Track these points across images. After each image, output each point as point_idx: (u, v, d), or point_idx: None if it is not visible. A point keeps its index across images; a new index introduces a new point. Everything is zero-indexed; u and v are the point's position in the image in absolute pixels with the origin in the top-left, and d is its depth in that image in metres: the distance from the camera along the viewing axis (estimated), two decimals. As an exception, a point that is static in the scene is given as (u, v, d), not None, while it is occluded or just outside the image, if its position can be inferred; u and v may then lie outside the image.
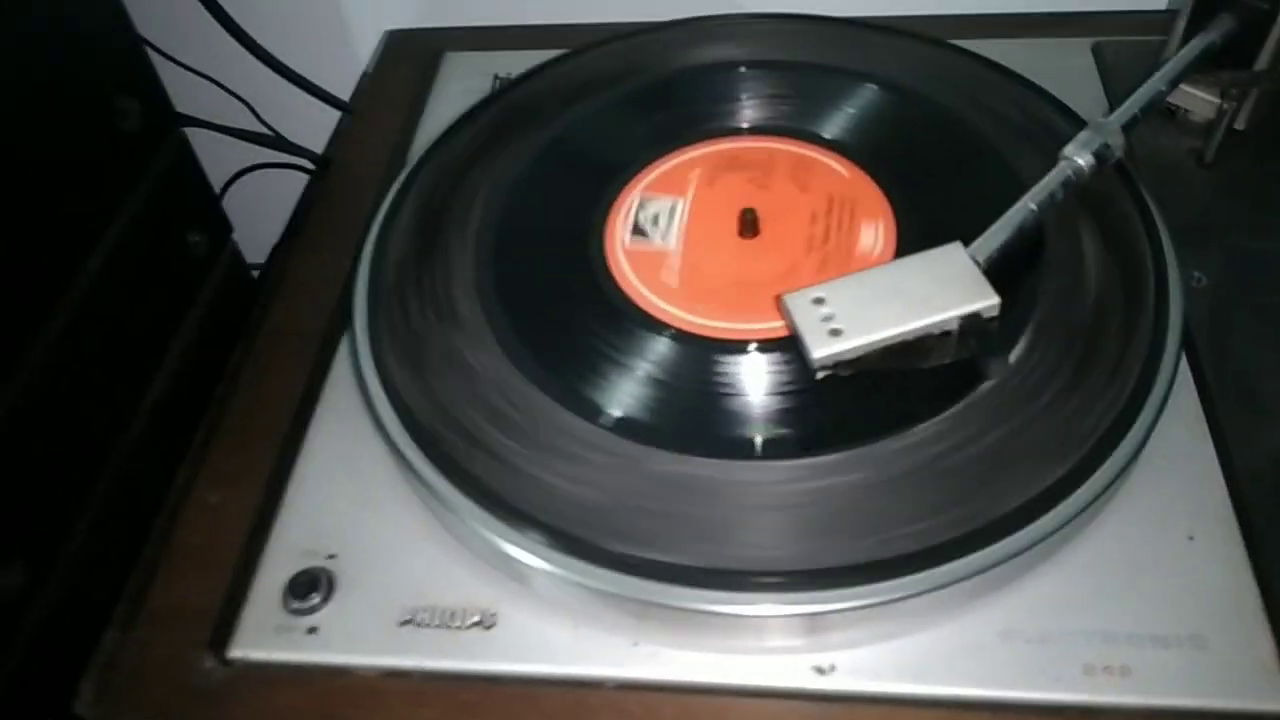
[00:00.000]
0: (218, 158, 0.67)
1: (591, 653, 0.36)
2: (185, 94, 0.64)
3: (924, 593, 0.33)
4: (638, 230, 0.44)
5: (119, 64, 0.59)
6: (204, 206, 0.68)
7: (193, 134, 0.63)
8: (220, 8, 0.69)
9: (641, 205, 0.45)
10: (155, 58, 0.63)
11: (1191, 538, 0.36)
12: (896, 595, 0.33)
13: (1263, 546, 0.36)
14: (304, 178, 0.82)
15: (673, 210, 0.45)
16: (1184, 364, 0.40)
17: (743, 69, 0.51)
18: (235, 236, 0.68)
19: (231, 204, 0.70)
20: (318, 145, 0.78)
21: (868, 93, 0.49)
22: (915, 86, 0.49)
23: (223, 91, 0.75)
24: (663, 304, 0.42)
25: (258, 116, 0.77)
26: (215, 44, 0.71)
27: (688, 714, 0.34)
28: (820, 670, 0.34)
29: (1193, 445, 0.39)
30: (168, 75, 0.62)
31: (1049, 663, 0.34)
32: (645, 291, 0.42)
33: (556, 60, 0.53)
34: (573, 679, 0.35)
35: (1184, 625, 0.34)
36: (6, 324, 0.48)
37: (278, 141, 0.76)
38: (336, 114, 0.75)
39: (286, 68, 0.72)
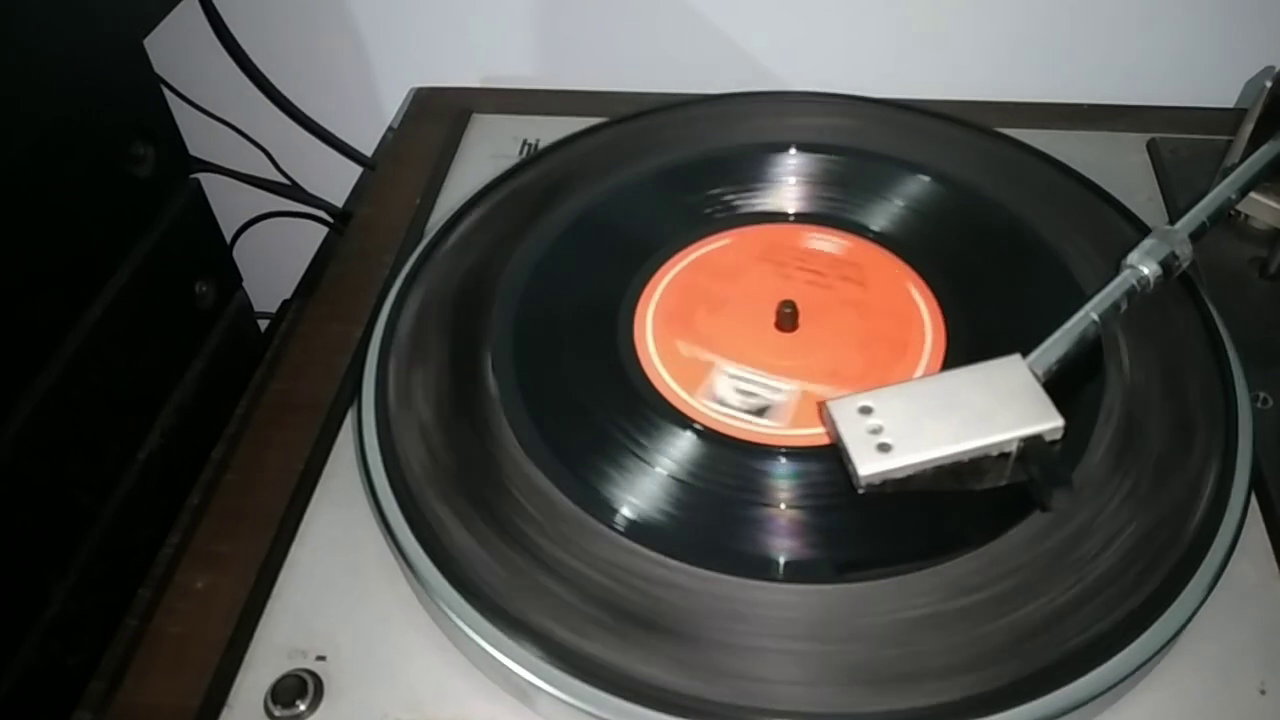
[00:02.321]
0: (231, 203, 0.65)
1: (599, 787, 0.32)
2: (200, 137, 0.62)
3: (971, 747, 0.30)
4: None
5: (137, 109, 0.57)
6: (214, 256, 0.66)
7: (206, 178, 0.62)
8: (244, 54, 0.68)
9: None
10: (173, 99, 0.61)
11: (1264, 691, 0.33)
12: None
13: (1342, 707, 0.32)
14: (320, 228, 0.80)
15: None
16: (1253, 499, 0.38)
17: (791, 151, 0.49)
18: (245, 284, 0.66)
19: (243, 250, 0.68)
20: (335, 196, 0.76)
21: (919, 185, 0.47)
22: (969, 180, 0.47)
23: (238, 135, 0.73)
24: (690, 399, 0.39)
25: (276, 165, 0.75)
26: (233, 88, 0.70)
27: None
28: (849, 824, 0.31)
29: (1263, 585, 0.36)
30: (184, 117, 0.61)
31: (1105, 830, 0.31)
32: (674, 385, 0.39)
33: (587, 131, 0.51)
34: (576, 817, 0.32)
35: (1257, 794, 0.31)
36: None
37: (295, 191, 0.75)
38: (355, 166, 0.74)
39: (309, 119, 0.71)
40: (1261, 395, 0.41)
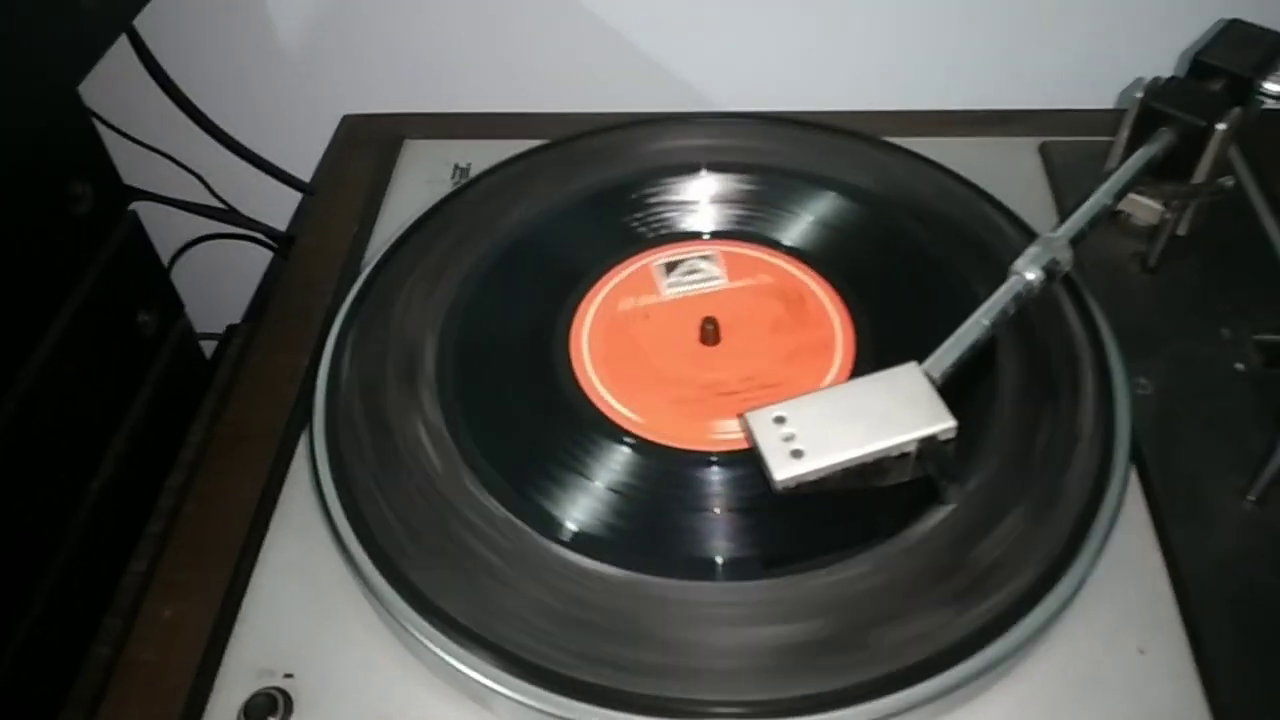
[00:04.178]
0: (164, 228, 0.66)
1: (555, 778, 0.35)
2: (131, 165, 0.63)
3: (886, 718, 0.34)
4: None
5: (71, 149, 0.58)
6: (154, 285, 0.67)
7: (139, 205, 0.63)
8: (174, 85, 0.69)
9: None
10: (104, 129, 0.62)
11: (1142, 651, 0.37)
12: (858, 721, 0.33)
13: (1211, 659, 0.37)
14: (256, 249, 0.81)
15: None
16: (1133, 474, 0.42)
17: (702, 172, 0.52)
18: (185, 308, 0.67)
19: (180, 275, 0.69)
20: (269, 217, 0.77)
21: (824, 199, 0.51)
22: (875, 191, 0.51)
23: (170, 161, 0.74)
24: (628, 413, 0.42)
25: (210, 190, 0.76)
26: (161, 114, 0.71)
27: (653, 842, 0.34)
28: (784, 795, 0.35)
29: (1143, 556, 0.40)
30: (113, 144, 0.62)
31: (1005, 784, 0.35)
32: (612, 401, 0.42)
33: (513, 159, 0.54)
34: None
35: (1136, 743, 0.35)
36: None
37: (230, 215, 0.76)
38: (280, 186, 0.75)
39: (242, 146, 0.72)
40: (1140, 381, 0.45)
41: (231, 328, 0.66)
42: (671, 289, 0.47)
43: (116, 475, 0.59)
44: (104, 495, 0.58)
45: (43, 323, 0.55)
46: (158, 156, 0.73)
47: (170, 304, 0.68)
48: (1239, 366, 0.45)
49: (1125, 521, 0.40)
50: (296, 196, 0.77)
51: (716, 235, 0.50)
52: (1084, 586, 0.37)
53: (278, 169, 0.73)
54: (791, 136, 0.54)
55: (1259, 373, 0.45)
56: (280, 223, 0.78)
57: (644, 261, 0.48)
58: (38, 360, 0.54)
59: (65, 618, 0.54)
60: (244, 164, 0.74)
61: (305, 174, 0.75)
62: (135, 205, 0.62)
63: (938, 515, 0.38)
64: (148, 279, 0.66)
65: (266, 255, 0.82)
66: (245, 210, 0.77)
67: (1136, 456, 0.42)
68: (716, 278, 0.47)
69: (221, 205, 0.76)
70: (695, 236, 0.50)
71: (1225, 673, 0.36)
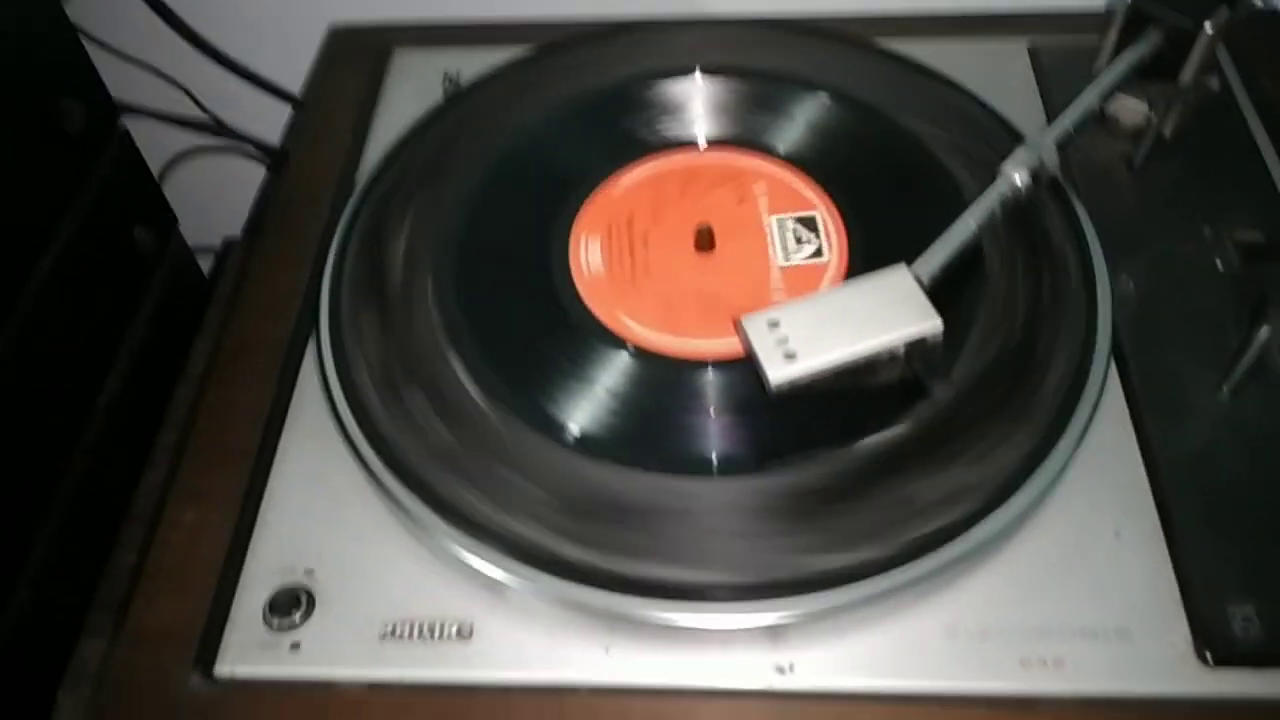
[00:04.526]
0: (148, 144, 0.66)
1: (566, 659, 0.38)
2: (116, 79, 0.63)
3: (875, 598, 0.36)
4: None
5: (60, 66, 0.58)
6: (149, 201, 0.68)
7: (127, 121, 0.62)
8: (166, 7, 0.68)
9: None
10: (90, 46, 0.61)
11: (1118, 534, 0.39)
12: (849, 602, 0.36)
13: (1181, 541, 0.39)
14: (243, 161, 0.81)
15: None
16: (1113, 368, 0.43)
17: (695, 78, 0.52)
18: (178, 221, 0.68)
19: (169, 190, 0.70)
20: (256, 129, 0.77)
21: (815, 104, 0.51)
22: (865, 97, 0.51)
23: (153, 75, 0.73)
24: (627, 320, 0.43)
25: (198, 103, 0.75)
26: (145, 27, 0.70)
27: (659, 715, 0.37)
28: (781, 670, 0.37)
29: (1120, 446, 0.42)
30: (100, 60, 0.61)
31: (989, 657, 0.37)
32: (609, 307, 0.44)
33: (504, 69, 0.54)
34: (549, 685, 0.37)
35: (1110, 619, 0.37)
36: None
37: (218, 128, 0.76)
38: (268, 97, 0.75)
39: (233, 61, 0.71)
40: (1124, 278, 0.46)
41: (229, 242, 0.66)
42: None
43: (122, 390, 0.61)
44: (111, 410, 0.60)
45: (41, 242, 0.56)
46: (139, 70, 0.73)
47: (164, 219, 0.68)
48: (1219, 264, 0.47)
49: (1105, 413, 0.42)
50: (283, 108, 0.76)
51: (712, 143, 0.51)
52: (1066, 473, 0.39)
53: (264, 80, 0.73)
54: (781, 40, 0.54)
55: (1237, 270, 0.46)
56: (268, 135, 0.78)
57: (641, 170, 0.49)
58: (38, 280, 0.55)
59: (84, 527, 0.56)
60: (229, 77, 0.74)
61: (291, 85, 0.74)
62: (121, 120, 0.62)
63: (925, 410, 0.39)
64: (141, 194, 0.67)
65: (254, 167, 0.82)
66: (232, 123, 0.77)
67: (1117, 351, 0.43)
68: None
69: (209, 119, 0.76)
70: (690, 144, 0.50)
71: (1193, 553, 0.38)
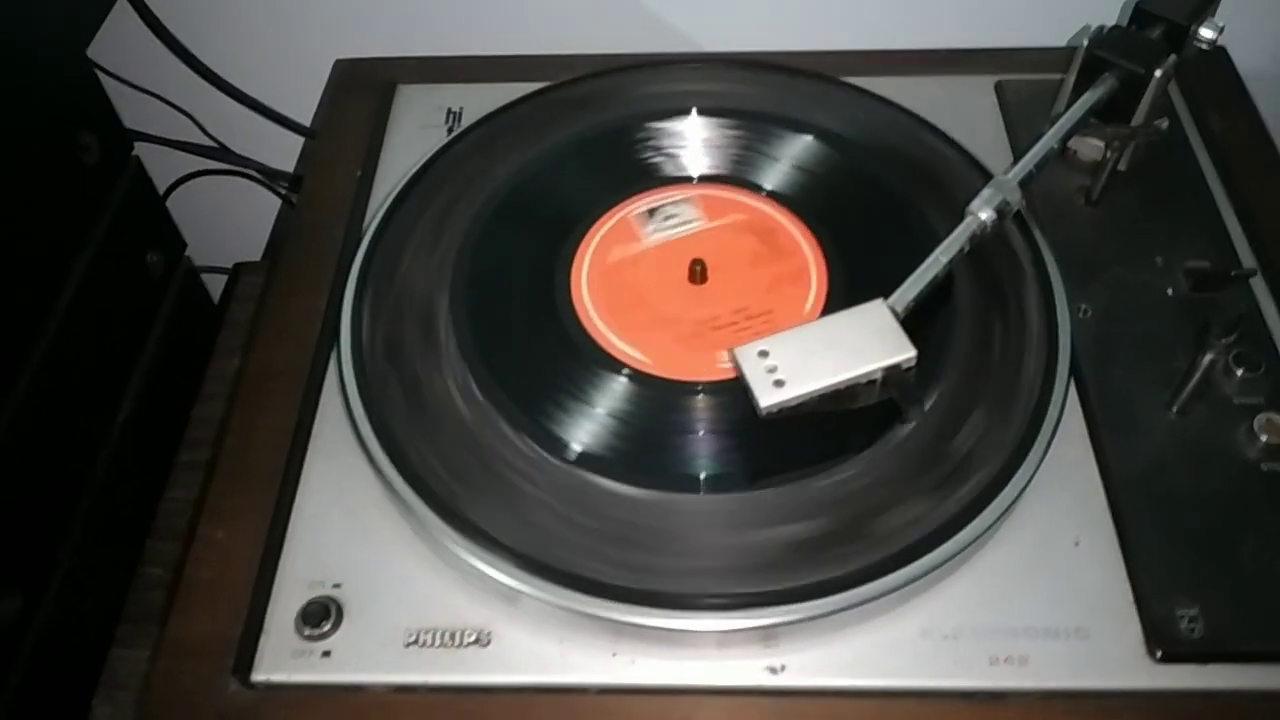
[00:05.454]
0: (153, 168, 0.69)
1: (576, 663, 0.41)
2: (121, 106, 0.65)
3: (858, 604, 0.40)
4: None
5: (79, 101, 0.61)
6: (159, 226, 0.70)
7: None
8: (168, 33, 0.70)
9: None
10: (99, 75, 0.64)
11: (1077, 543, 0.43)
12: (834, 609, 0.39)
13: (1134, 549, 0.43)
14: (245, 184, 0.84)
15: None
16: (1072, 389, 0.47)
17: (691, 117, 0.56)
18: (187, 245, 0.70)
19: (173, 214, 0.72)
20: (256, 151, 0.80)
21: (792, 140, 0.55)
22: (839, 132, 0.55)
23: (150, 98, 0.75)
24: (627, 348, 0.47)
25: (202, 129, 0.78)
26: (146, 53, 0.72)
27: (663, 714, 0.40)
28: (773, 670, 0.41)
29: (1079, 461, 0.46)
30: (108, 87, 0.64)
31: (960, 655, 0.41)
32: (610, 335, 0.47)
33: (508, 106, 0.58)
34: (561, 686, 0.41)
35: (1071, 619, 0.41)
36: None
37: (222, 153, 0.78)
38: (269, 122, 0.77)
39: (241, 91, 0.74)
40: (1083, 306, 0.50)
41: (239, 265, 0.69)
42: (654, 234, 0.52)
43: (136, 410, 0.64)
44: (127, 429, 0.63)
45: (64, 270, 0.58)
46: (140, 94, 0.75)
47: (173, 243, 0.71)
48: (1169, 291, 0.51)
49: (1065, 431, 0.45)
50: (283, 133, 0.79)
51: (704, 179, 0.54)
52: (1029, 488, 0.43)
53: (271, 109, 0.76)
54: (756, 79, 0.58)
55: (1186, 297, 0.50)
56: (269, 157, 0.81)
57: (623, 212, 0.53)
58: (61, 306, 0.58)
59: (104, 540, 0.59)
60: (232, 103, 0.77)
61: (293, 112, 0.77)
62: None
63: (898, 434, 0.43)
64: (152, 220, 0.69)
65: (256, 190, 0.85)
66: (235, 148, 0.79)
67: (1076, 374, 0.47)
68: (694, 220, 0.52)
69: (214, 144, 0.78)
70: (683, 180, 0.54)
71: (1145, 560, 0.42)
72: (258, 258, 0.83)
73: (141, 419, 0.64)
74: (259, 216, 0.87)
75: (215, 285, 0.77)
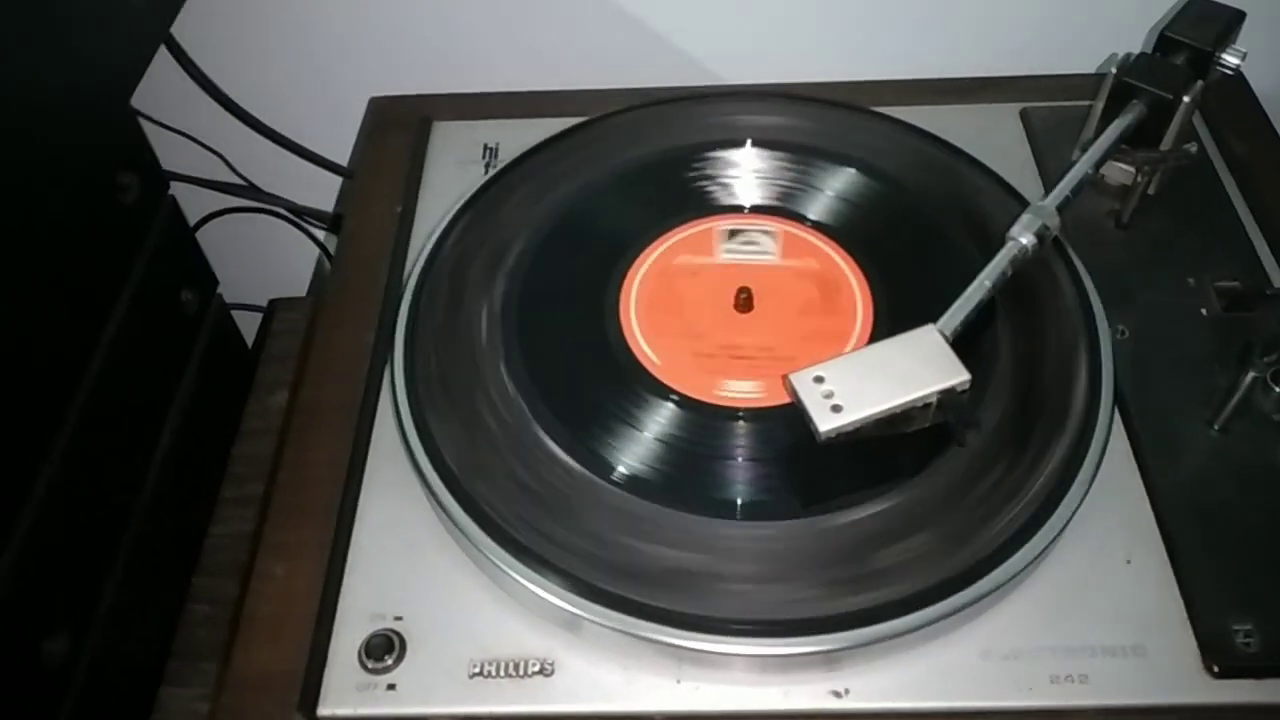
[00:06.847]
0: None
1: (640, 691, 0.41)
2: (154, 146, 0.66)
3: (920, 627, 0.40)
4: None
5: (122, 145, 0.61)
6: (193, 264, 0.71)
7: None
8: (202, 74, 0.71)
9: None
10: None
11: (1129, 561, 0.44)
12: (897, 632, 0.40)
13: (1185, 566, 0.43)
14: (271, 221, 0.84)
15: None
16: (1116, 411, 0.48)
17: (746, 148, 0.57)
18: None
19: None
20: (284, 189, 0.81)
21: (847, 176, 0.56)
22: (887, 169, 0.56)
23: (179, 137, 0.76)
24: (645, 345, 0.48)
25: (232, 168, 0.79)
26: (178, 95, 0.73)
27: (729, 739, 0.41)
28: (837, 694, 0.41)
29: (1126, 481, 0.46)
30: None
31: (1021, 675, 0.41)
32: (636, 331, 0.49)
33: (551, 140, 0.58)
34: (626, 715, 0.41)
35: (1127, 637, 0.42)
36: (38, 406, 0.51)
37: (252, 192, 0.79)
38: (298, 160, 0.78)
39: (268, 128, 0.75)
40: (1120, 328, 0.51)
41: (274, 301, 0.70)
42: (727, 254, 0.53)
43: (175, 446, 0.64)
44: (166, 465, 0.63)
45: (106, 309, 0.59)
46: (169, 133, 0.76)
47: (206, 281, 0.72)
48: (1203, 311, 0.52)
49: (1111, 452, 0.46)
50: (309, 170, 0.80)
51: (754, 210, 0.56)
52: (1081, 508, 0.44)
53: (303, 148, 0.77)
54: (814, 114, 0.59)
55: (1219, 316, 0.51)
56: (299, 195, 0.81)
57: (684, 234, 0.54)
58: (104, 344, 0.58)
59: (148, 579, 0.59)
60: (259, 141, 0.78)
61: (324, 150, 0.78)
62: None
63: (955, 457, 0.44)
64: (187, 259, 0.70)
65: (280, 227, 0.85)
66: (263, 185, 0.80)
67: (1118, 396, 0.48)
68: (769, 253, 0.53)
69: (243, 182, 0.79)
70: (731, 210, 0.55)
71: (1196, 577, 0.43)
72: (285, 294, 0.83)
73: (180, 455, 0.64)
74: (286, 253, 0.88)
75: (243, 321, 0.77)
